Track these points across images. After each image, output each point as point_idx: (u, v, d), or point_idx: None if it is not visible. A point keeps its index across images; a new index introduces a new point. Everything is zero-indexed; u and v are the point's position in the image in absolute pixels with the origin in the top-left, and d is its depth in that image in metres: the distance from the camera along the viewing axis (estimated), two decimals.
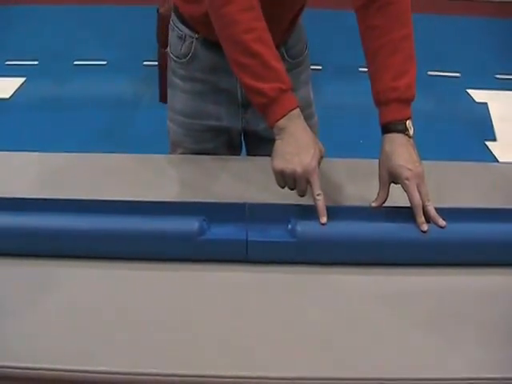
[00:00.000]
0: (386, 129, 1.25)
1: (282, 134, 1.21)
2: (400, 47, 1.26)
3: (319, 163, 1.20)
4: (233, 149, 1.60)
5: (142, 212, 1.18)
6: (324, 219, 1.16)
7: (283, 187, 1.21)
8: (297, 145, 1.19)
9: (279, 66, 1.22)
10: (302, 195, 1.20)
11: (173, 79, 1.55)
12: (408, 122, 1.24)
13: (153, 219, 1.18)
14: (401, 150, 1.21)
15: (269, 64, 1.20)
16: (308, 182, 1.18)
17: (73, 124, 3.29)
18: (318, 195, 1.17)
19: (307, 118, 1.59)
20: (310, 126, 1.60)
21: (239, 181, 1.37)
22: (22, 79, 3.73)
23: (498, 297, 1.14)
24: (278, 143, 1.21)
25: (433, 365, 1.00)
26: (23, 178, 1.41)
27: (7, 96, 3.57)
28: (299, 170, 1.17)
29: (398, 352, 1.02)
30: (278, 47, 1.49)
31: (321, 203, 1.17)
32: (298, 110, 1.22)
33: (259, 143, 1.61)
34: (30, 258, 1.17)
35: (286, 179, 1.20)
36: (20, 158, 1.53)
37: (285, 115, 1.21)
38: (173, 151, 1.60)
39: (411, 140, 1.24)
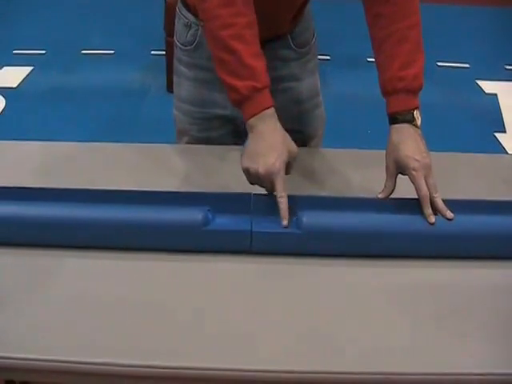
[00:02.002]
0: (394, 119, 1.24)
1: (252, 132, 1.21)
2: (407, 36, 1.25)
3: (290, 165, 1.19)
4: (239, 138, 1.59)
5: (147, 202, 1.17)
6: (285, 222, 1.14)
7: (253, 184, 1.20)
8: (263, 145, 1.18)
9: (256, 64, 1.20)
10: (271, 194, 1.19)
11: (178, 67, 1.54)
12: (415, 112, 1.23)
13: (157, 209, 1.17)
14: (408, 141, 1.20)
15: (245, 62, 1.19)
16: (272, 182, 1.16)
17: (80, 113, 3.30)
18: (280, 197, 1.15)
19: (313, 108, 1.60)
20: (317, 116, 1.61)
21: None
22: (30, 68, 3.73)
23: (507, 291, 1.13)
24: (248, 141, 1.21)
25: (439, 359, 0.99)
26: (29, 167, 1.41)
27: (14, 85, 3.57)
28: (262, 170, 1.15)
29: (404, 346, 1.01)
30: (284, 36, 1.49)
31: (283, 206, 1.14)
32: (271, 109, 1.21)
33: None
34: (35, 247, 1.17)
35: (251, 178, 1.19)
36: (26, 147, 1.52)
37: (257, 114, 1.20)
38: (179, 140, 1.60)
39: (419, 130, 1.23)
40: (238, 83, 1.20)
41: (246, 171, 1.19)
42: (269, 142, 1.18)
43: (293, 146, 1.21)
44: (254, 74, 1.20)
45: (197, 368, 0.98)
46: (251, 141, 1.20)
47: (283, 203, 1.15)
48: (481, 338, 1.03)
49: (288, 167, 1.19)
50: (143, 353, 0.99)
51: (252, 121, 1.21)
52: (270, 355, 0.99)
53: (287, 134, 1.21)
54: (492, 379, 0.98)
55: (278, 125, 1.22)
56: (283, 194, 1.15)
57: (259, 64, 1.21)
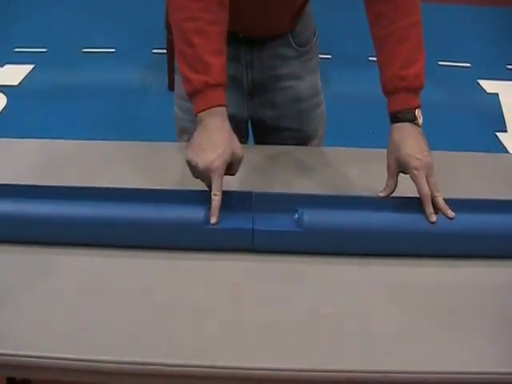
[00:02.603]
0: (395, 118, 1.24)
1: (199, 126, 1.21)
2: (408, 35, 1.25)
3: (233, 166, 1.19)
4: (240, 136, 1.59)
5: (149, 200, 1.17)
6: (213, 220, 1.14)
7: (196, 178, 1.20)
8: (207, 141, 1.18)
9: (213, 61, 1.21)
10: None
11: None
12: (417, 111, 1.23)
13: (159, 207, 1.17)
14: (410, 140, 1.20)
15: (201, 57, 1.20)
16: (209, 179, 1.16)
17: (81, 111, 3.30)
18: (214, 195, 1.14)
19: (315, 107, 1.59)
20: (317, 115, 1.61)
21: (246, 169, 1.35)
22: (31, 66, 3.73)
23: (508, 289, 1.13)
24: (194, 133, 1.21)
25: (441, 358, 0.99)
26: (30, 165, 1.41)
27: (16, 83, 3.58)
28: (200, 165, 1.16)
29: (405, 344, 1.01)
30: (285, 35, 1.49)
31: (215, 204, 1.14)
32: (222, 108, 1.21)
33: (266, 132, 1.60)
34: (37, 245, 1.17)
35: (192, 171, 1.19)
36: (27, 144, 1.52)
37: (206, 109, 1.20)
38: (180, 138, 1.60)
39: (420, 129, 1.23)
40: (193, 76, 1.21)
41: (188, 163, 1.19)
42: (212, 139, 1.18)
43: (238, 147, 1.20)
44: (209, 69, 1.20)
45: (198, 366, 0.97)
46: (197, 134, 1.21)
47: (215, 201, 1.14)
48: (482, 337, 1.03)
49: (231, 168, 1.19)
50: (144, 350, 0.99)
51: (201, 115, 1.21)
52: (271, 353, 0.99)
53: (234, 135, 1.21)
54: (493, 378, 0.98)
55: (226, 124, 1.22)
56: (217, 192, 1.14)
57: (216, 61, 1.21)
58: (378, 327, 1.04)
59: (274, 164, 1.46)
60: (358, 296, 1.10)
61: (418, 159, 1.17)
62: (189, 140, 1.55)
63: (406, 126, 1.22)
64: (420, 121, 1.23)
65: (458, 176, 1.42)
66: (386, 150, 1.24)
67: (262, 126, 1.60)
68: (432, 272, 1.15)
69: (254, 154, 1.45)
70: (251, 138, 1.66)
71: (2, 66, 3.73)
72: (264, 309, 1.07)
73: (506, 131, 3.27)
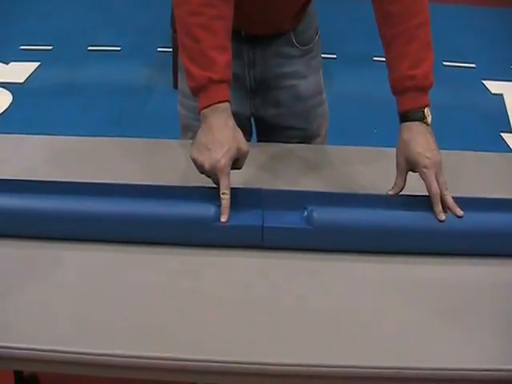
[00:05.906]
0: (404, 117, 1.24)
1: (203, 123, 1.21)
2: (416, 35, 1.25)
3: (239, 162, 1.19)
4: (243, 134, 1.59)
5: (159, 196, 1.18)
6: (224, 218, 1.14)
7: (202, 174, 1.20)
8: (211, 139, 1.17)
9: (218, 56, 1.20)
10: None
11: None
12: (426, 110, 1.23)
13: (168, 204, 1.17)
14: (419, 138, 1.20)
15: (205, 52, 1.19)
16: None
17: (86, 109, 3.30)
18: (222, 194, 1.15)
19: (317, 105, 1.60)
20: (320, 113, 1.61)
21: (250, 167, 1.35)
22: (36, 64, 3.74)
23: None
24: (199, 131, 1.21)
25: (447, 355, 0.99)
26: (35, 162, 1.42)
27: (21, 80, 3.58)
28: (207, 165, 1.15)
29: (413, 341, 1.02)
30: (287, 33, 1.49)
31: (225, 202, 1.14)
32: (226, 104, 1.21)
33: (269, 130, 1.60)
34: (48, 240, 1.17)
35: (198, 169, 1.19)
36: (33, 141, 1.53)
37: (209, 105, 1.20)
38: (183, 135, 1.59)
39: (429, 128, 1.23)
40: (196, 71, 1.20)
41: (194, 162, 1.19)
42: (217, 137, 1.17)
43: (243, 143, 1.20)
44: (213, 65, 1.20)
45: (203, 360, 0.98)
46: (201, 132, 1.20)
47: (225, 200, 1.14)
48: (489, 334, 1.03)
49: (237, 163, 1.19)
50: (150, 344, 0.99)
51: (204, 111, 1.20)
52: (281, 349, 1.00)
53: (239, 130, 1.21)
54: (500, 375, 0.98)
55: (231, 120, 1.21)
56: (226, 191, 1.14)
57: (221, 57, 1.21)
58: (390, 324, 1.05)
59: (279, 162, 1.46)
60: (367, 293, 1.11)
61: (428, 158, 1.18)
62: (193, 137, 1.56)
63: (415, 125, 1.22)
64: (429, 119, 1.23)
65: (464, 175, 1.42)
66: (391, 149, 1.24)
67: (264, 125, 1.60)
68: (441, 270, 1.16)
69: (258, 152, 1.45)
70: (254, 135, 1.66)
71: (7, 63, 3.74)
72: (273, 305, 1.08)
73: (510, 132, 3.27)
